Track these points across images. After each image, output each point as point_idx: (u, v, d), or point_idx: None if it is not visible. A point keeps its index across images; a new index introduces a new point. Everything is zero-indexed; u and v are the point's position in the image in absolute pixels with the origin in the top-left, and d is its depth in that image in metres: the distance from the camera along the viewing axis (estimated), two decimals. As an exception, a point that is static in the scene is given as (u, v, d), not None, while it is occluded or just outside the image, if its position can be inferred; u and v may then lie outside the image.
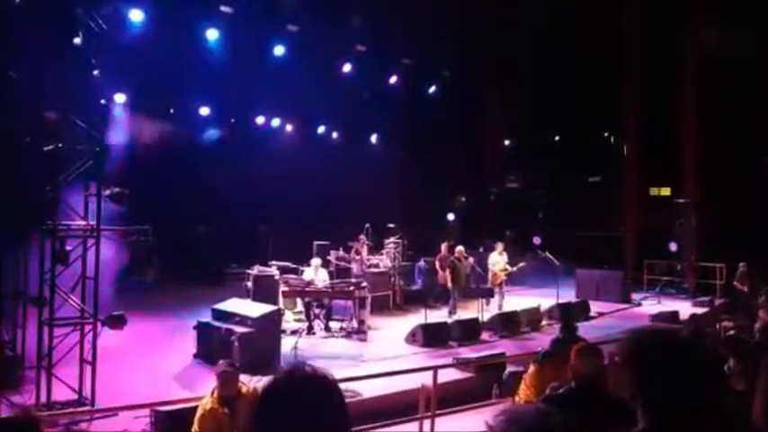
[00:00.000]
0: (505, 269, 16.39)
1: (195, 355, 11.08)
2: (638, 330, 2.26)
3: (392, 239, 17.84)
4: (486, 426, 1.66)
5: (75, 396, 8.45)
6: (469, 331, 13.31)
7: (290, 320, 13.69)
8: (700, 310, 17.03)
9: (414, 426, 7.86)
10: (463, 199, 26.91)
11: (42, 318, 8.44)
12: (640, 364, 2.13)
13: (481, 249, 18.66)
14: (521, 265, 16.82)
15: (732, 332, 7.68)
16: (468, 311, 15.03)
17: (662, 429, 2.09)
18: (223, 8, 16.23)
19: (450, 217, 24.43)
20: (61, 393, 8.38)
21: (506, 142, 27.85)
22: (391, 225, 18.71)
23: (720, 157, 20.64)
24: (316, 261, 14.77)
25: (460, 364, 10.87)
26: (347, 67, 19.76)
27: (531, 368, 6.82)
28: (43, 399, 8.14)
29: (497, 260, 16.47)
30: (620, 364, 2.18)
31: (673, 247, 21.50)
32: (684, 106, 21.91)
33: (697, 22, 21.14)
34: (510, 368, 10.14)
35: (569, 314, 14.11)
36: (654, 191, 25.13)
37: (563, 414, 1.63)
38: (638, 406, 2.12)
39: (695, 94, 21.54)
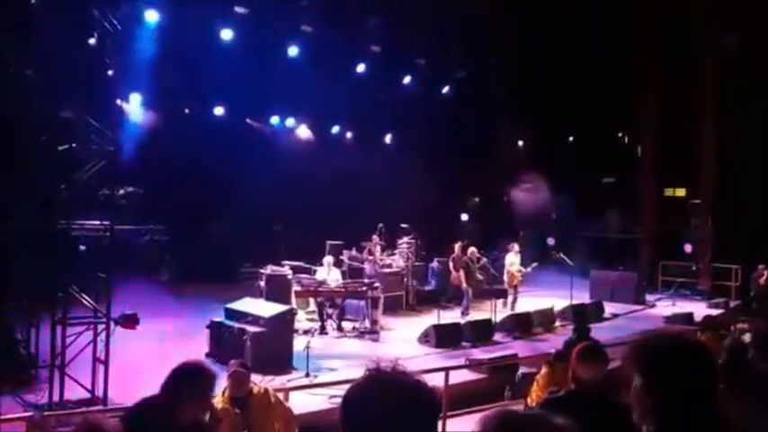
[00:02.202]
0: (520, 270, 16.34)
1: (207, 355, 11.08)
2: (647, 334, 2.23)
3: (405, 240, 17.81)
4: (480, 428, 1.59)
5: (88, 395, 8.48)
6: (482, 332, 13.27)
7: (302, 320, 13.68)
8: (715, 312, 16.87)
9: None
10: (477, 199, 26.81)
11: (55, 317, 8.49)
12: (649, 368, 2.10)
13: (495, 252, 18.55)
14: (533, 265, 16.76)
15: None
16: (481, 312, 14.99)
17: None
18: (238, 9, 16.28)
19: (464, 217, 24.35)
20: (74, 392, 8.41)
21: (520, 143, 27.70)
22: (404, 225, 18.68)
23: (736, 157, 20.45)
24: (328, 260, 14.78)
25: (473, 365, 10.84)
26: (361, 68, 19.75)
27: (544, 369, 6.78)
28: (56, 398, 8.19)
29: (514, 260, 16.42)
30: (628, 369, 2.15)
31: (688, 248, 21.36)
32: (700, 106, 21.71)
33: (715, 21, 20.94)
34: (522, 369, 10.12)
35: (583, 315, 14.08)
36: (669, 192, 24.96)
37: (562, 417, 1.59)
38: (645, 410, 2.09)
39: (711, 94, 21.35)
